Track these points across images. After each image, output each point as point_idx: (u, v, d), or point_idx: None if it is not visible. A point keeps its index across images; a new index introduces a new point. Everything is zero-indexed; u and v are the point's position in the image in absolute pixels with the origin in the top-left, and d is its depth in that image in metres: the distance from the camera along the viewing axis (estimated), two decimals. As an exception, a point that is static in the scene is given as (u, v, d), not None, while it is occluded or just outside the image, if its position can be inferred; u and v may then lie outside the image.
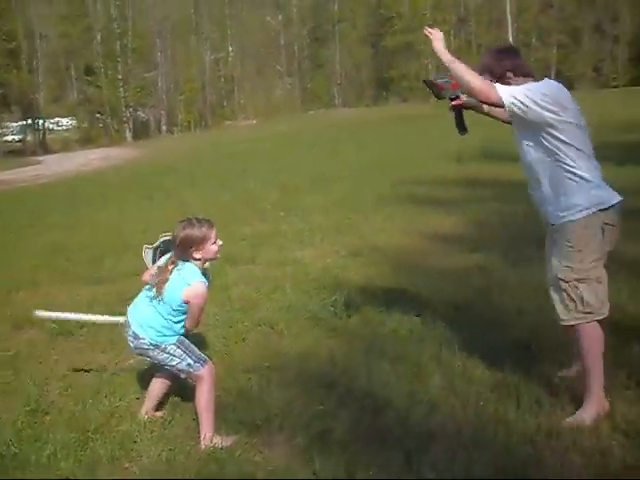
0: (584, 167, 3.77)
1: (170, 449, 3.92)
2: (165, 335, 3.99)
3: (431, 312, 5.55)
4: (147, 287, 4.08)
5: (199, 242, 3.90)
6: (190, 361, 4.00)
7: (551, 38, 70.79)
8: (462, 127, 4.38)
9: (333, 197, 12.61)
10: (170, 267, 3.95)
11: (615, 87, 61.61)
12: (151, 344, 3.99)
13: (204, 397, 4.00)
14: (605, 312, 3.84)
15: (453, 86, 4.22)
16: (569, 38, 70.81)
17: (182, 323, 4.01)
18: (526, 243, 7.16)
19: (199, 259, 3.94)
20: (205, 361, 4.05)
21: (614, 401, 3.87)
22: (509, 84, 3.86)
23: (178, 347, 4.00)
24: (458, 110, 4.33)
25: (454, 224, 9.30)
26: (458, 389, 4.27)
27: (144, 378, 4.72)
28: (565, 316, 3.85)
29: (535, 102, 3.69)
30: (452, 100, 4.32)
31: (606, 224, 3.77)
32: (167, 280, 3.92)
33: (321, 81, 73.70)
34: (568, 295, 3.80)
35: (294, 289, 6.74)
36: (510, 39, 58.44)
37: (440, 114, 40.51)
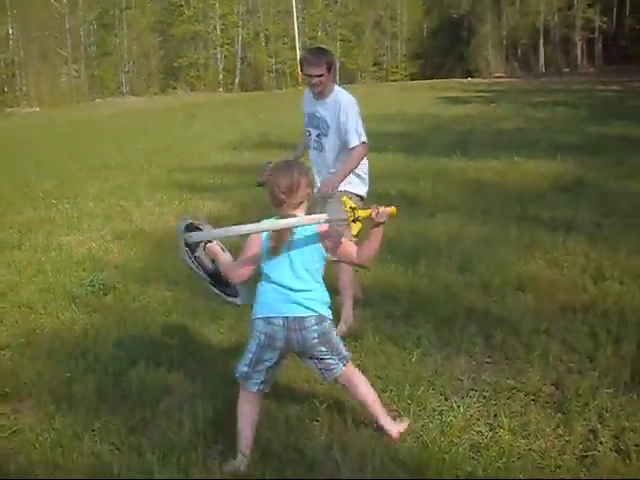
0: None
1: None
2: None
3: (181, 288, 6.04)
4: None
5: None
6: None
7: (335, 32, 73.65)
8: None
9: (110, 185, 12.75)
10: None
11: (394, 81, 65.31)
12: None
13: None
14: None
15: None
16: (352, 33, 73.99)
17: None
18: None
19: None
20: None
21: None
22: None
23: None
24: None
25: (221, 207, 9.89)
26: (195, 351, 4.76)
27: None
28: None
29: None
30: None
31: None
32: None
33: (108, 69, 71.78)
34: None
35: (56, 272, 6.96)
36: (296, 32, 60.02)
37: (228, 102, 40.75)
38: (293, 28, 60.79)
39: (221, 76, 71.62)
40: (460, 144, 14.49)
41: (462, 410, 3.79)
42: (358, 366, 4.30)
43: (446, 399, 3.96)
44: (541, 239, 6.90)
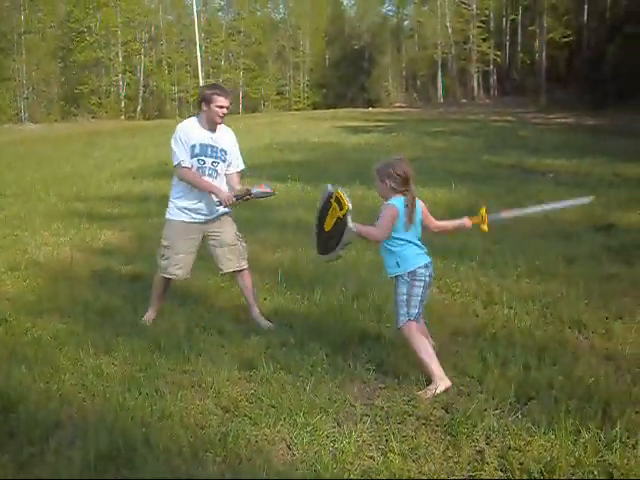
0: None
1: None
2: None
3: (75, 319, 5.91)
4: None
5: None
6: None
7: (238, 61, 74.02)
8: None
9: (4, 214, 12.34)
10: None
11: (297, 110, 66.02)
12: None
13: None
14: None
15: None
16: (254, 62, 74.52)
17: None
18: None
19: None
20: None
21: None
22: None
23: None
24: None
25: (119, 236, 9.70)
26: (89, 384, 4.67)
27: None
28: None
29: None
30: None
31: None
32: None
33: (6, 94, 69.69)
34: None
35: (-58, 306, 6.67)
36: (199, 60, 60.00)
37: (130, 129, 39.95)
38: (196, 57, 60.80)
39: (123, 103, 70.74)
40: (360, 173, 14.74)
41: (354, 436, 3.84)
42: (252, 395, 4.34)
43: (339, 425, 4.01)
44: (434, 265, 7.06)
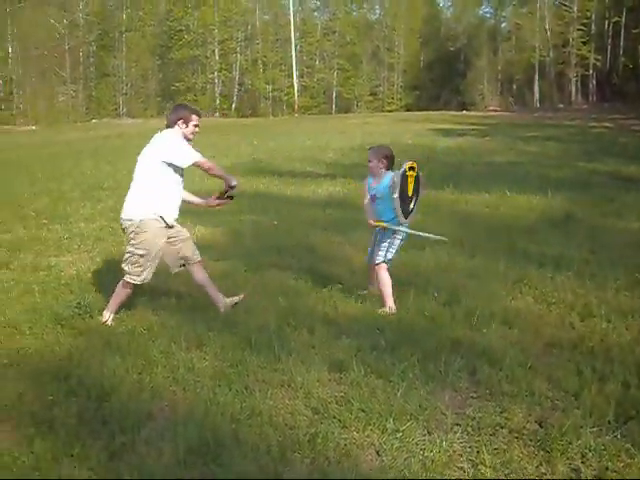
0: None
1: None
2: None
3: (168, 312, 6.03)
4: None
5: None
6: None
7: (332, 61, 74.20)
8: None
9: (101, 206, 12.73)
10: None
11: (390, 111, 65.73)
12: None
13: None
14: None
15: None
16: (349, 63, 74.54)
17: None
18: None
19: None
20: None
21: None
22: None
23: None
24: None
25: (212, 233, 9.89)
26: (180, 378, 4.74)
27: None
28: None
29: None
30: None
31: None
32: None
33: (106, 90, 71.98)
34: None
35: (43, 293, 6.92)
36: (294, 60, 60.54)
37: (224, 126, 40.63)
38: (291, 56, 61.38)
39: (218, 101, 71.88)
40: (452, 176, 14.57)
41: (445, 446, 3.77)
42: (342, 398, 4.31)
43: (429, 434, 3.94)
44: (530, 274, 6.91)
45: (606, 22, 66.40)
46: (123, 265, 6.01)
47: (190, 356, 5.10)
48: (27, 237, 10.01)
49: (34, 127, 56.38)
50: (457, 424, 4.04)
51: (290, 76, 64.87)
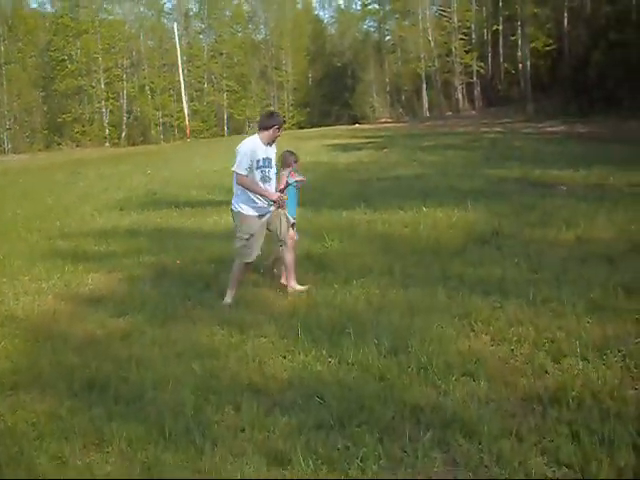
0: None
1: None
2: None
3: (59, 396, 4.89)
4: None
5: None
6: None
7: (221, 83, 73.31)
8: None
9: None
10: None
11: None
12: None
13: None
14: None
15: None
16: (237, 84, 73.79)
17: None
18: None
19: None
20: None
21: None
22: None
23: None
24: None
25: (107, 281, 8.67)
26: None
27: None
28: None
29: None
30: None
31: None
32: None
33: (-12, 125, 68.80)
34: None
35: None
36: (182, 84, 59.25)
37: (115, 157, 39.17)
38: (179, 80, 59.97)
39: (107, 130, 69.73)
40: (361, 194, 13.87)
41: None
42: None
43: None
44: (475, 305, 6.08)
45: (485, 31, 67.98)
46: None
47: (88, 461, 3.99)
48: None
49: None
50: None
51: (179, 101, 63.31)
